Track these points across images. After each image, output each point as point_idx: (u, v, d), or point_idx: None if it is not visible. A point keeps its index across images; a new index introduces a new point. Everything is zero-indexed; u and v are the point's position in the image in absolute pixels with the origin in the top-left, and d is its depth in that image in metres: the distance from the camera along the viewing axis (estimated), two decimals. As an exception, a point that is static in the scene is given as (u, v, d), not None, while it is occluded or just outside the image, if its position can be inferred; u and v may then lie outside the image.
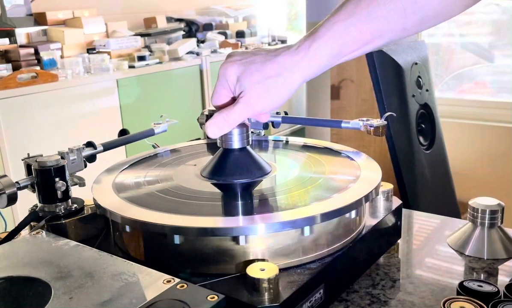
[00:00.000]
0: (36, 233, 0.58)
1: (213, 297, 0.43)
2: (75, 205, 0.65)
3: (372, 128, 0.69)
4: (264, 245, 0.55)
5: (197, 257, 0.55)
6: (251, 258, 0.54)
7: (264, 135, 0.87)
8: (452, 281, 0.64)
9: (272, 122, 0.82)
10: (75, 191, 0.67)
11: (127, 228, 0.59)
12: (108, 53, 2.37)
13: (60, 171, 0.62)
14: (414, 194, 1.81)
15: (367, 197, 0.59)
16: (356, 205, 0.57)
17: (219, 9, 3.26)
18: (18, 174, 0.67)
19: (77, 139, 0.91)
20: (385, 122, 0.69)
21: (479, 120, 2.85)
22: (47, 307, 0.43)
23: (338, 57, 0.57)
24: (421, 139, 1.94)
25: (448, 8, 0.54)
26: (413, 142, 1.85)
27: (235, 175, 0.65)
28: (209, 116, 0.88)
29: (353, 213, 0.60)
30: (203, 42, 2.88)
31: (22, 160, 0.66)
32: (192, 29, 3.02)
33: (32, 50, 2.15)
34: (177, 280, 0.46)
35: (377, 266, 0.68)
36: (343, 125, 0.72)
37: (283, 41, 3.15)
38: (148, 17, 2.88)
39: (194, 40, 2.70)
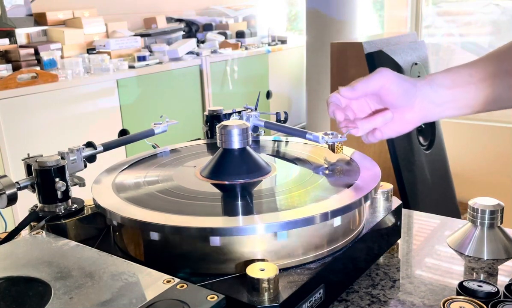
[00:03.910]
0: (36, 233, 0.58)
1: (213, 297, 0.43)
2: (75, 205, 0.65)
3: (329, 143, 0.70)
4: (264, 245, 0.55)
5: (197, 257, 0.55)
6: (251, 258, 0.54)
7: (264, 135, 0.87)
8: (451, 281, 0.64)
9: (280, 118, 0.85)
10: (75, 191, 0.67)
11: (128, 228, 0.59)
12: (108, 53, 2.37)
13: (60, 171, 0.62)
14: (414, 194, 1.81)
15: (366, 197, 0.59)
16: (355, 205, 0.57)
17: (219, 9, 3.26)
18: (18, 174, 0.68)
19: (77, 139, 0.92)
20: (342, 139, 0.68)
21: (479, 120, 2.85)
22: (47, 307, 0.43)
23: None
24: (421, 139, 1.94)
25: None
26: (413, 142, 1.85)
27: (235, 175, 0.65)
28: (209, 117, 0.89)
29: (352, 214, 0.60)
30: (203, 42, 2.88)
31: (22, 160, 0.66)
32: (192, 29, 3.02)
33: (32, 50, 2.15)
34: (177, 280, 0.46)
35: (377, 266, 0.68)
36: (307, 136, 0.72)
37: (283, 41, 3.15)
38: (148, 17, 2.88)
39: (194, 40, 2.70)
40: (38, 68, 2.06)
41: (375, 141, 0.67)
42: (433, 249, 0.74)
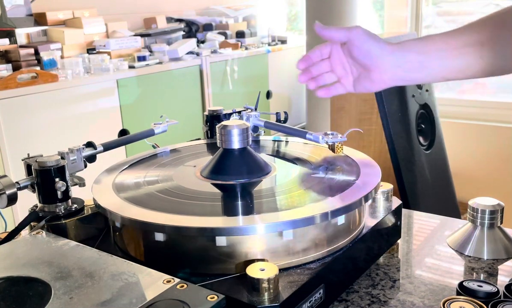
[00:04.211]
0: (36, 233, 0.58)
1: (213, 297, 0.43)
2: (75, 205, 0.65)
3: (329, 143, 0.73)
4: (264, 245, 0.55)
5: (197, 257, 0.55)
6: (251, 258, 0.54)
7: (263, 135, 0.87)
8: (452, 281, 0.64)
9: (280, 118, 0.85)
10: (75, 191, 0.67)
11: (128, 228, 0.59)
12: (108, 53, 2.37)
13: (60, 171, 0.62)
14: (414, 194, 1.81)
15: (366, 197, 0.59)
16: (355, 205, 0.57)
17: (219, 9, 3.26)
18: (18, 174, 0.67)
19: (77, 139, 0.92)
20: (342, 139, 0.71)
21: (479, 120, 2.84)
22: (47, 307, 0.43)
23: None
24: (421, 139, 1.94)
25: None
26: (413, 142, 1.85)
27: (235, 175, 0.65)
28: (209, 117, 0.89)
29: (352, 214, 0.60)
30: (203, 42, 2.88)
31: (22, 160, 0.66)
32: (192, 29, 3.02)
33: (32, 50, 2.15)
34: (177, 280, 0.46)
35: (377, 266, 0.68)
36: (307, 136, 0.74)
37: (283, 41, 3.15)
38: (148, 17, 2.88)
39: (194, 40, 2.70)
40: (38, 68, 2.06)
41: (336, 93, 0.73)
42: (433, 249, 0.73)
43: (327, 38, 0.68)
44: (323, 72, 0.72)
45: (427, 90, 1.98)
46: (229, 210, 0.60)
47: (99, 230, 0.66)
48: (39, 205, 0.64)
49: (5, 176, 0.61)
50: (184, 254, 0.56)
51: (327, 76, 0.72)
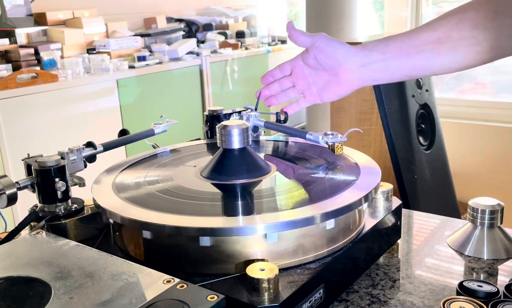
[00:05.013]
0: (36, 233, 0.58)
1: (213, 297, 0.43)
2: (75, 205, 0.65)
3: (329, 144, 0.72)
4: (264, 245, 0.55)
5: (197, 257, 0.55)
6: (251, 258, 0.54)
7: (263, 135, 0.87)
8: (452, 281, 0.64)
9: (280, 118, 0.84)
10: (75, 191, 0.67)
11: (128, 228, 0.59)
12: (108, 53, 2.37)
13: (60, 171, 0.62)
14: (414, 194, 1.81)
15: (366, 197, 0.59)
16: (355, 205, 0.57)
17: (219, 9, 3.26)
18: (18, 174, 0.67)
19: (77, 139, 0.92)
20: (342, 139, 0.71)
21: (479, 120, 2.85)
22: (47, 307, 0.43)
23: None
24: (421, 139, 1.94)
25: None
26: (413, 142, 1.85)
27: (235, 175, 0.65)
28: (209, 117, 0.89)
29: (352, 213, 0.60)
30: (203, 42, 2.88)
31: (22, 160, 0.66)
32: (192, 29, 3.03)
33: (32, 50, 2.15)
34: (177, 280, 0.46)
35: (377, 266, 0.68)
36: (307, 136, 0.74)
37: (283, 41, 3.15)
38: (148, 17, 2.88)
39: (194, 40, 2.70)
40: (38, 68, 2.06)
41: (299, 108, 0.76)
42: (433, 249, 0.74)
43: (293, 39, 0.70)
44: (285, 88, 0.74)
45: (427, 90, 1.98)
46: (229, 210, 0.60)
47: (99, 230, 0.66)
48: (39, 205, 0.64)
49: (5, 176, 0.61)
50: (184, 254, 0.56)
51: (289, 92, 0.75)
